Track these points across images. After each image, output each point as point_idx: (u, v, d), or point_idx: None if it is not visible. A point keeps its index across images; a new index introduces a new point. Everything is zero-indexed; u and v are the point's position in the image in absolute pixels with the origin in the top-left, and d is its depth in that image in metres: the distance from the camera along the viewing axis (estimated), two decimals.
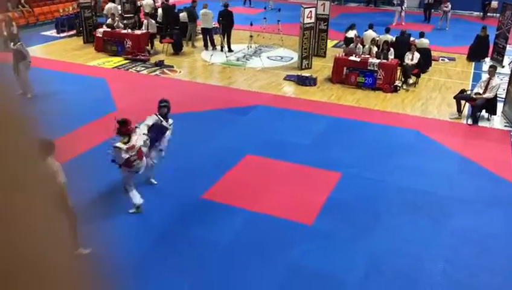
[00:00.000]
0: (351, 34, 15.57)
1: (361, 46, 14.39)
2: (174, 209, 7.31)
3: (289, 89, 13.27)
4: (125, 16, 17.72)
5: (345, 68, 13.57)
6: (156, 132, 7.41)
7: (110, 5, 18.06)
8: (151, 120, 7.40)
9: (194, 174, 8.43)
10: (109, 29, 16.19)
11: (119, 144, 6.60)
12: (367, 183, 8.25)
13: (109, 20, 16.78)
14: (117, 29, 16.25)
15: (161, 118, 7.46)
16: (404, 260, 6.33)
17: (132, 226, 6.86)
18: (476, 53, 16.42)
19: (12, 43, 11.10)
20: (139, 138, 6.80)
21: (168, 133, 7.56)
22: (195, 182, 8.10)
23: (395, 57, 13.67)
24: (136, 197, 6.94)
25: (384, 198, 7.78)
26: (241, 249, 6.46)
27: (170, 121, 7.66)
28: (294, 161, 8.70)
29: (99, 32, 16.21)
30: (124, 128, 6.60)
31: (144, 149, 6.99)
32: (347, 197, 7.73)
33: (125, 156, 6.60)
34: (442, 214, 7.42)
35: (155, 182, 7.86)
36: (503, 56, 15.85)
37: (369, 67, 13.27)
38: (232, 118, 10.97)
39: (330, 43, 17.46)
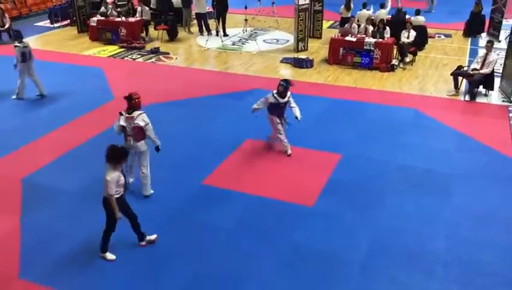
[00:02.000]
0: (366, 12, 15.30)
1: (356, 26, 14.33)
2: (175, 196, 7.36)
3: (286, 72, 13.24)
4: (118, 3, 17.56)
5: (341, 49, 13.52)
6: (273, 109, 8.28)
7: None
8: (268, 98, 8.24)
9: (194, 160, 8.47)
10: (103, 18, 16.08)
11: (122, 112, 6.98)
12: (367, 163, 8.29)
13: (102, 9, 16.64)
14: (111, 18, 16.14)
15: (276, 96, 8.15)
16: (406, 238, 6.40)
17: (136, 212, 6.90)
18: (472, 29, 16.35)
19: (17, 42, 10.93)
20: (142, 118, 6.88)
21: (292, 106, 8.27)
22: (196, 168, 8.15)
23: (391, 36, 13.62)
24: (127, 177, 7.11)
25: (385, 177, 7.83)
26: (244, 233, 6.52)
27: (288, 94, 8.23)
28: (293, 143, 8.72)
29: (93, 21, 16.10)
30: (129, 103, 6.91)
31: (148, 133, 6.97)
32: (348, 178, 7.79)
33: (122, 123, 6.95)
34: (443, 191, 7.48)
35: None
36: (499, 31, 15.79)
37: (365, 47, 13.23)
38: (230, 102, 10.97)
39: (326, 24, 17.38)
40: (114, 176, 5.59)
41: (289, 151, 8.51)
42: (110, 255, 6.03)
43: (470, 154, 8.63)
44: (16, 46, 10.85)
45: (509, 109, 10.63)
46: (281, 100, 8.19)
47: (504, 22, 15.82)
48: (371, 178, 7.83)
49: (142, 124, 6.86)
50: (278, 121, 8.35)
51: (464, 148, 8.84)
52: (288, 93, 8.20)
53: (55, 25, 18.58)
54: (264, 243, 6.34)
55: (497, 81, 11.60)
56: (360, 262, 5.98)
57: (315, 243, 6.33)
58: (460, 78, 11.52)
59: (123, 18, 15.98)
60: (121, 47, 15.41)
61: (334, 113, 10.34)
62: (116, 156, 5.63)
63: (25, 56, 10.85)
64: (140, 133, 6.97)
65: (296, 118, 8.20)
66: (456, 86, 11.53)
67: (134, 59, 14.44)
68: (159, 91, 11.53)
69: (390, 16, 15.05)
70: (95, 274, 5.81)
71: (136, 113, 6.89)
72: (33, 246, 6.25)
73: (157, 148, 7.12)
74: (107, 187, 5.59)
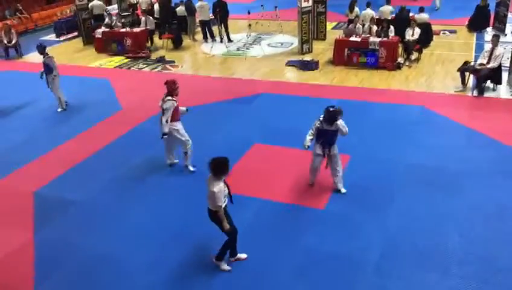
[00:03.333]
0: (370, 11, 15.26)
1: (361, 26, 14.31)
2: (186, 204, 7.36)
3: (292, 75, 13.24)
4: (122, 14, 17.70)
5: (346, 49, 13.51)
6: (319, 136, 7.19)
7: (94, 2, 17.95)
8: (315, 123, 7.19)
9: (204, 167, 8.45)
10: (108, 29, 16.20)
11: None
12: (376, 163, 8.25)
13: (107, 20, 16.78)
14: (116, 29, 16.27)
15: (321, 122, 7.07)
16: (419, 237, 6.35)
17: (147, 225, 6.93)
18: (477, 23, 16.25)
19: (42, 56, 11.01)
20: (166, 102, 7.68)
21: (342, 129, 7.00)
22: (206, 175, 8.13)
23: (395, 34, 13.58)
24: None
25: (395, 176, 7.79)
26: (256, 237, 6.51)
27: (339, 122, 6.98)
28: (301, 146, 8.69)
29: (98, 32, 16.23)
30: (166, 88, 7.78)
31: (164, 119, 7.73)
32: (358, 178, 7.75)
33: (159, 104, 7.86)
34: (454, 188, 7.41)
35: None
36: (505, 24, 15.68)
37: (370, 47, 13.20)
38: (237, 108, 10.99)
39: (329, 25, 17.37)
40: (220, 187, 5.51)
41: (342, 190, 7.42)
42: (224, 265, 5.96)
43: (480, 150, 8.56)
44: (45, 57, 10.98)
45: None
46: (329, 128, 7.02)
47: (510, 15, 15.71)
48: (381, 178, 7.79)
49: (164, 106, 7.67)
50: (319, 152, 7.27)
51: (473, 144, 8.77)
52: (340, 121, 6.97)
53: (61, 38, 18.77)
54: (276, 247, 6.32)
55: (504, 75, 11.50)
56: (374, 263, 5.95)
57: (328, 245, 6.31)
58: (467, 73, 11.44)
59: (128, 29, 16.10)
60: (127, 57, 15.52)
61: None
62: (221, 167, 5.54)
63: (46, 68, 10.94)
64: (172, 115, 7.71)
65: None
66: (464, 82, 11.46)
67: (140, 69, 14.53)
68: None
69: (394, 15, 15.01)
70: (112, 286, 5.83)
71: (167, 98, 7.69)
72: (47, 259, 6.30)
73: (161, 135, 7.83)
74: (216, 199, 5.49)
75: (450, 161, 8.18)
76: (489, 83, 11.29)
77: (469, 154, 8.42)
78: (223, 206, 5.60)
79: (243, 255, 6.13)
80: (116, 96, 12.08)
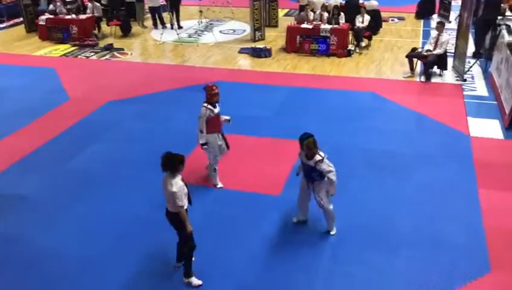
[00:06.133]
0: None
1: (311, 13, 14.39)
2: (140, 196, 7.20)
3: (245, 62, 13.18)
4: (67, 0, 17.00)
5: (298, 36, 13.57)
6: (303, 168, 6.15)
7: None
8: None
9: (157, 157, 8.27)
10: (52, 16, 15.53)
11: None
12: (329, 148, 8.27)
13: (51, 6, 16.06)
14: (60, 15, 15.61)
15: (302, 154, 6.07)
16: (373, 219, 6.51)
17: (94, 220, 6.73)
18: (424, 10, 16.74)
19: None
20: (202, 111, 6.95)
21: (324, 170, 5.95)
22: (159, 166, 7.96)
23: (346, 21, 13.76)
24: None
25: (349, 161, 7.91)
26: (213, 227, 6.46)
27: (319, 158, 5.94)
28: (257, 134, 8.71)
29: (42, 19, 15.52)
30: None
31: (198, 129, 7.01)
32: None
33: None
34: (405, 170, 7.64)
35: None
36: (449, 12, 16.22)
37: (321, 34, 13.32)
38: (189, 96, 10.81)
39: (281, 12, 17.39)
40: (180, 186, 5.10)
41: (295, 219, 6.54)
42: (195, 281, 5.44)
43: (428, 133, 8.86)
44: None
45: (463, 87, 10.96)
46: (306, 161, 5.97)
47: (453, 3, 16.26)
48: (336, 162, 7.76)
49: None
50: (305, 184, 6.21)
51: (422, 128, 9.06)
52: (320, 156, 5.88)
53: (1, 25, 17.82)
54: (233, 235, 6.30)
55: (450, 61, 11.92)
56: (330, 247, 6.05)
57: (284, 232, 6.35)
58: (415, 59, 11.77)
59: (73, 15, 15.48)
60: (73, 45, 14.94)
61: (294, 102, 10.37)
62: (173, 162, 5.19)
63: None
64: (208, 125, 6.94)
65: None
66: (412, 68, 11.78)
67: (87, 57, 14.03)
68: (116, 88, 11.26)
69: (344, 2, 15.19)
70: (57, 281, 5.64)
71: (204, 104, 6.95)
72: None
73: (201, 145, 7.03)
74: (177, 199, 5.05)
75: (400, 145, 8.41)
76: (436, 69, 11.66)
77: (418, 137, 8.70)
78: (185, 207, 5.20)
79: (199, 282, 5.47)
80: (63, 86, 11.61)
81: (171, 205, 5.21)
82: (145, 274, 5.69)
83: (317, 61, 12.98)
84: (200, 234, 6.24)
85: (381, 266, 5.72)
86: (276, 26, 16.19)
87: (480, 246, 5.99)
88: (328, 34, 13.24)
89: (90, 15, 15.64)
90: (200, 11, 16.12)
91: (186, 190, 5.24)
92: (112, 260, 5.92)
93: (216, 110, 6.96)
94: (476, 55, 12.53)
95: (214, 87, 6.90)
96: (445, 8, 16.37)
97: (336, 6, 14.06)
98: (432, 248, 5.97)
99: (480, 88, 10.94)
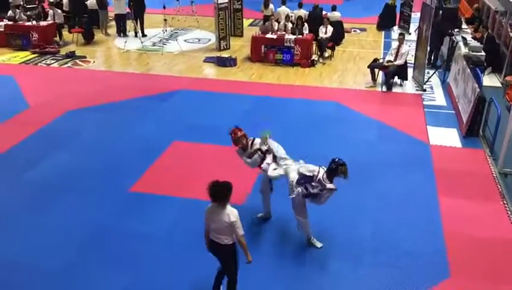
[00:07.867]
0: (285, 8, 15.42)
1: (276, 23, 14.54)
2: (102, 206, 7.05)
3: (210, 71, 13.17)
4: (27, 6, 16.59)
5: (263, 46, 13.67)
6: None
7: None
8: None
9: (119, 167, 8.16)
10: (11, 22, 15.11)
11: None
12: (293, 157, 8.40)
13: (10, 13, 15.62)
14: (20, 22, 15.20)
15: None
16: (335, 228, 6.57)
17: (61, 228, 6.55)
18: (385, 22, 17.19)
19: None
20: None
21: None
22: (122, 176, 7.85)
23: (309, 32, 13.96)
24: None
25: None
26: (178, 238, 6.38)
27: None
28: (222, 143, 8.65)
29: (0, 26, 15.06)
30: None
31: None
32: None
33: None
34: (366, 179, 7.75)
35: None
36: (409, 24, 16.71)
37: (286, 44, 13.47)
38: (153, 105, 10.72)
39: (246, 22, 17.48)
40: (237, 214, 4.82)
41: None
42: None
43: (389, 142, 9.05)
44: None
45: (423, 97, 11.27)
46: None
47: (413, 15, 16.77)
48: None
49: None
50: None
51: (383, 137, 9.25)
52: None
53: None
54: (199, 246, 6.23)
55: (410, 72, 12.27)
56: (292, 253, 6.07)
57: (248, 240, 6.31)
58: (376, 70, 12.05)
59: (34, 22, 15.10)
60: (34, 52, 14.56)
61: (259, 111, 10.41)
62: (224, 192, 4.93)
63: None
64: None
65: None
66: (373, 78, 12.05)
67: (48, 64, 13.70)
68: (77, 97, 11.02)
69: (308, 13, 15.42)
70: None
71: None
72: None
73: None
74: (237, 229, 4.80)
75: (361, 153, 8.54)
76: (396, 79, 11.96)
77: (379, 146, 8.87)
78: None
79: None
80: (22, 94, 11.28)
81: (226, 236, 4.91)
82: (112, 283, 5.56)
83: (282, 70, 13.10)
84: (165, 245, 6.19)
85: (344, 273, 5.78)
86: (241, 35, 16.27)
87: (440, 252, 6.14)
88: (292, 45, 13.39)
89: (51, 22, 15.30)
90: (165, 20, 16.03)
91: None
92: (76, 271, 5.76)
93: (264, 148, 6.45)
94: (431, 65, 12.94)
95: (236, 131, 6.39)
96: (405, 20, 16.87)
97: (299, 17, 14.25)
98: (393, 255, 6.08)
99: (439, 98, 11.30)
